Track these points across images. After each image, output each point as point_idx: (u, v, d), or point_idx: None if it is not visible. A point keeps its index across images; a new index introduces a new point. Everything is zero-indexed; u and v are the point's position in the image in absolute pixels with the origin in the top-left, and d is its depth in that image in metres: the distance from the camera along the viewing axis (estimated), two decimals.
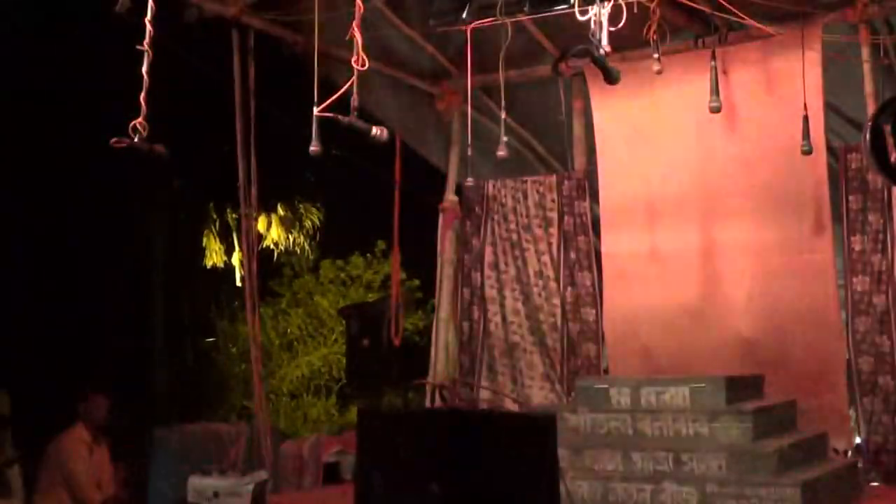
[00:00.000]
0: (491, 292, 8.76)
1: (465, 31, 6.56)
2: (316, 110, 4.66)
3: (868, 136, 6.18)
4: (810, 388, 7.12)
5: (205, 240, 13.57)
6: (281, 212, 13.68)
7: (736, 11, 6.96)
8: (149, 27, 4.97)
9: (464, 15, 6.35)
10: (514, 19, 6.35)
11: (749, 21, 7.14)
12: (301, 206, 13.99)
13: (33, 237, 11.36)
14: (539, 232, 8.61)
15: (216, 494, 6.40)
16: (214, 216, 13.56)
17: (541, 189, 8.64)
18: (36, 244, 11.40)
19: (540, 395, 8.39)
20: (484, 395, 8.55)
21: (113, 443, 7.56)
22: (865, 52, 7.18)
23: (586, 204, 8.45)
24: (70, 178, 11.12)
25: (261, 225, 12.68)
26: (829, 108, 7.49)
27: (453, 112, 8.86)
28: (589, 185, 8.45)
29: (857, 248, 7.28)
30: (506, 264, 8.74)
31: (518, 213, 8.72)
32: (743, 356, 7.43)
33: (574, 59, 4.89)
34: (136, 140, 4.84)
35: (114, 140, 4.80)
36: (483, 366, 8.70)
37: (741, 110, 7.67)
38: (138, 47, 4.97)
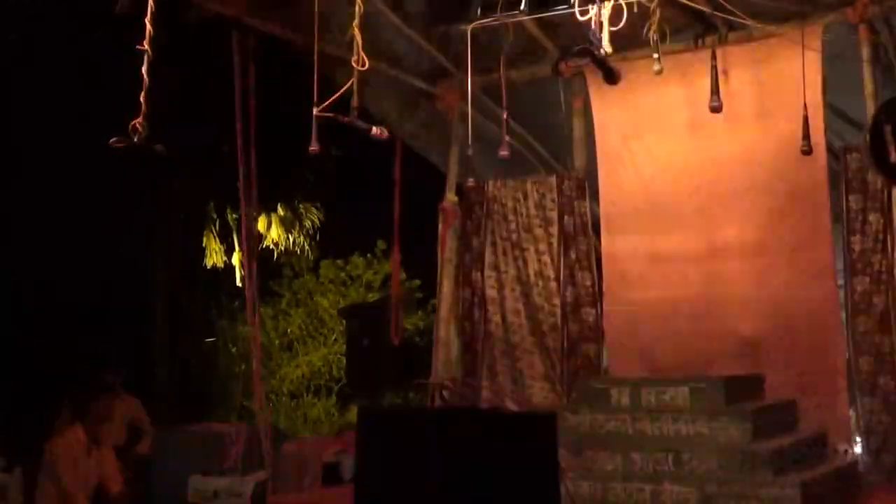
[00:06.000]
0: (491, 292, 8.75)
1: (465, 31, 6.56)
2: (316, 110, 4.67)
3: (868, 136, 6.19)
4: (810, 388, 7.13)
5: (205, 240, 13.56)
6: (281, 212, 13.66)
7: (736, 11, 6.97)
8: (149, 27, 4.97)
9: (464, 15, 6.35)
10: (514, 19, 6.35)
11: (749, 21, 7.15)
12: (301, 206, 13.98)
13: (34, 237, 11.36)
14: (539, 232, 8.60)
15: (216, 494, 6.43)
16: (214, 216, 13.54)
17: (541, 189, 8.63)
18: (36, 245, 11.40)
19: (540, 395, 8.38)
20: (484, 394, 8.54)
21: (129, 440, 7.57)
22: (865, 52, 7.18)
23: (586, 204, 8.45)
24: (69, 179, 11.12)
25: (261, 225, 12.67)
26: (829, 108, 7.49)
27: (453, 112, 8.86)
28: (589, 185, 8.45)
29: (857, 248, 7.27)
30: (506, 264, 8.73)
31: (518, 213, 8.71)
32: (743, 356, 7.43)
33: (574, 59, 4.89)
34: (135, 140, 4.84)
35: (113, 139, 4.80)
36: (483, 366, 8.69)
37: (741, 110, 7.67)
38: (138, 47, 4.97)
